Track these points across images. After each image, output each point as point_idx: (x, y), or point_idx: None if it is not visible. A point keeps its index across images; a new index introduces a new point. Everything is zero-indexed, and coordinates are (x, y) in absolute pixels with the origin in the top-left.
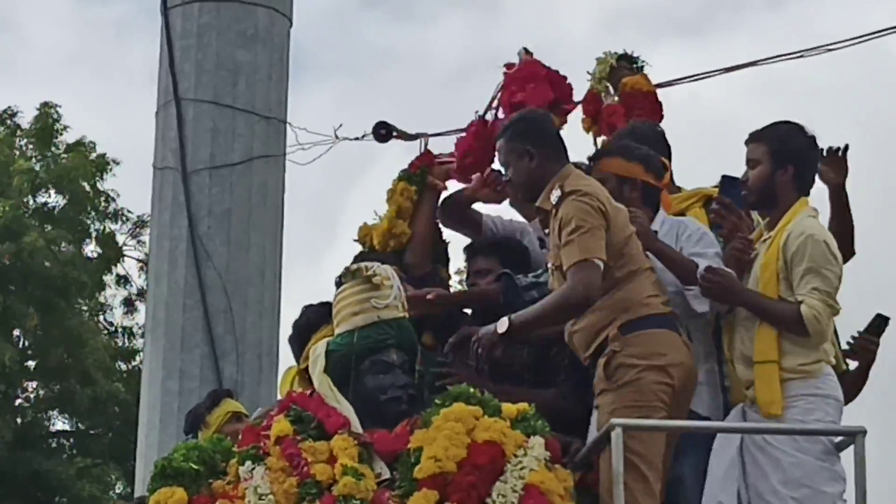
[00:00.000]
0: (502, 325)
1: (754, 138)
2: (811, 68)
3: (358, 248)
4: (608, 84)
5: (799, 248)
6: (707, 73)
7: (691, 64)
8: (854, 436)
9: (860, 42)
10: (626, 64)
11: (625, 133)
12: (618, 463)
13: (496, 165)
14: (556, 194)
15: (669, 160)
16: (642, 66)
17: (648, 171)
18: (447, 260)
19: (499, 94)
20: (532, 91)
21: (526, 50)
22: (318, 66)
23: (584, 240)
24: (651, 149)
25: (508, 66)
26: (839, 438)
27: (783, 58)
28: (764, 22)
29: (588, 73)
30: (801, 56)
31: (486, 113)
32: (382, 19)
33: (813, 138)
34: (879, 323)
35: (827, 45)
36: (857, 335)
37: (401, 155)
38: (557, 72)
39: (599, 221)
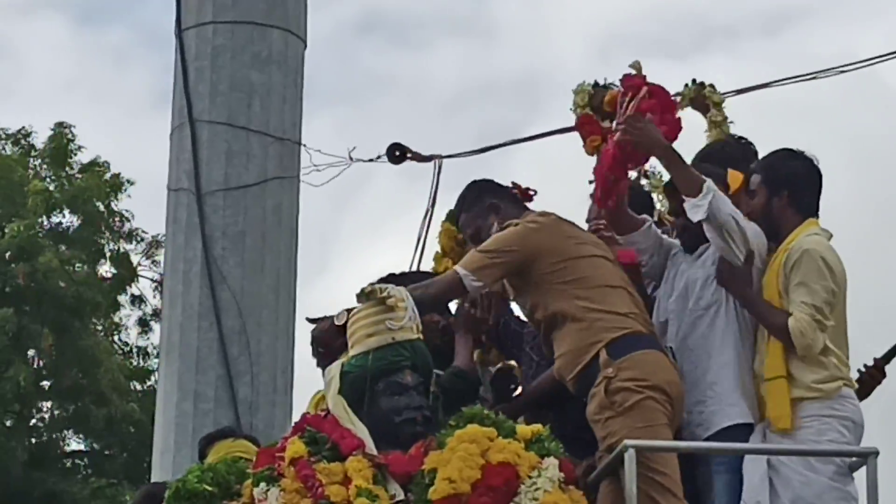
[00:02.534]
0: (340, 318)
1: (753, 170)
2: (798, 92)
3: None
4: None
5: (796, 262)
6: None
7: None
8: (866, 457)
9: (870, 64)
10: (602, 90)
11: (709, 149)
12: (631, 484)
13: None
14: (494, 228)
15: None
16: None
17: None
18: None
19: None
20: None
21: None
22: (316, 92)
23: (475, 256)
24: (732, 164)
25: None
26: (853, 459)
27: (794, 80)
28: (759, 49)
29: (570, 108)
30: (815, 78)
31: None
32: (379, 46)
33: (808, 160)
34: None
35: (839, 66)
36: (869, 364)
37: (392, 180)
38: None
39: (515, 247)
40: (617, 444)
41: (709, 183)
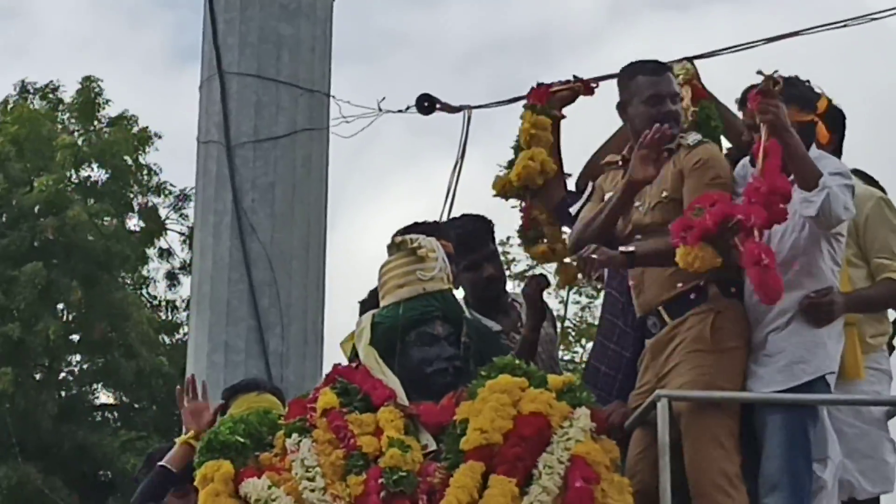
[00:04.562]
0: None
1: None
2: (796, 44)
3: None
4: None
5: (872, 210)
6: (750, 43)
7: (699, 41)
8: None
9: None
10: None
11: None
12: (663, 433)
13: None
14: (694, 137)
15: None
16: None
17: (803, 111)
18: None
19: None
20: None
21: None
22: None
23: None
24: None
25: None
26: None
27: (826, 28)
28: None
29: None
30: (846, 25)
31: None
32: (393, 3)
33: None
34: None
35: (871, 14)
36: None
37: (399, 136)
38: None
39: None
40: (700, 380)
41: (825, 179)
